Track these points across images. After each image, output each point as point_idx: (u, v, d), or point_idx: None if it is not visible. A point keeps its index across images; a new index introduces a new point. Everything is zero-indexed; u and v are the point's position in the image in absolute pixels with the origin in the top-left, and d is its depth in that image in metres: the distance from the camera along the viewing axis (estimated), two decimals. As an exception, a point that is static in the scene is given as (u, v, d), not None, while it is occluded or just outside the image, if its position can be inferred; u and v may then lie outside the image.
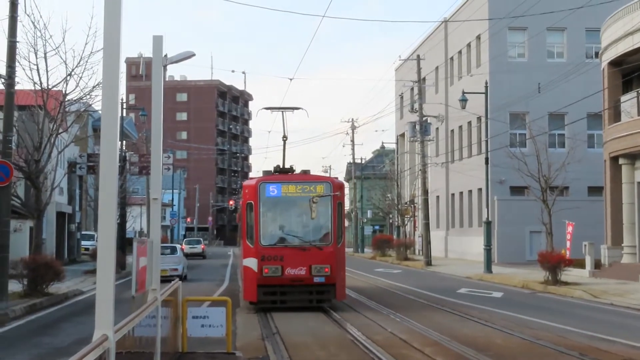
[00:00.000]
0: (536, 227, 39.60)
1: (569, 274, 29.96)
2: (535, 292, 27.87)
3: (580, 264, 32.67)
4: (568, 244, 32.71)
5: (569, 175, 35.91)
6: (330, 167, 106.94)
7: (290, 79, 71.51)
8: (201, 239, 73.24)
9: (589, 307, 22.38)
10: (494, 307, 21.71)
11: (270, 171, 23.46)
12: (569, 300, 24.50)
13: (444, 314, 20.26)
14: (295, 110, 25.77)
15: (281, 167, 23.57)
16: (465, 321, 18.50)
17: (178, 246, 39.59)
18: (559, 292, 26.71)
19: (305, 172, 23.42)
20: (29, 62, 24.19)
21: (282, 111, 25.39)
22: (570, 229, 33.08)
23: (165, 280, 36.26)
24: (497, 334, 16.18)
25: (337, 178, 24.19)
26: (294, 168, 23.60)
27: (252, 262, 20.99)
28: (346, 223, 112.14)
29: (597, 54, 40.77)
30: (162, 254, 34.74)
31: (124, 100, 47.89)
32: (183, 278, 31.54)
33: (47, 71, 24.56)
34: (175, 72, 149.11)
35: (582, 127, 44.60)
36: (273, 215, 21.86)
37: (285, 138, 25.11)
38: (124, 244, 38.64)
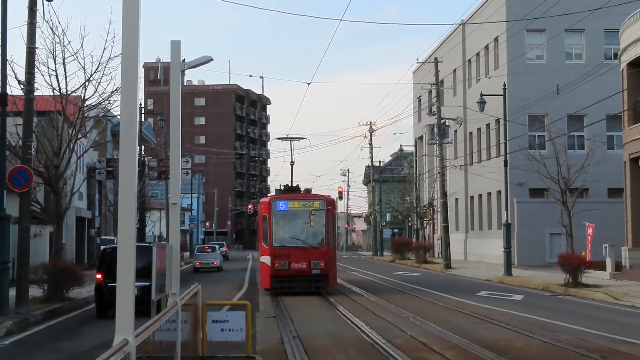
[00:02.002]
0: (556, 229, 39.36)
1: (590, 276, 29.75)
2: (555, 294, 27.72)
3: (601, 266, 32.44)
4: (588, 246, 32.51)
5: (589, 177, 35.64)
6: (348, 170, 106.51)
7: (308, 83, 71.54)
8: (224, 243, 78.92)
9: (609, 310, 22.22)
10: (514, 310, 21.62)
11: (281, 189, 30.85)
12: (589, 303, 24.35)
13: (464, 316, 20.20)
14: (301, 140, 34.31)
15: (289, 186, 30.85)
16: (486, 324, 18.44)
17: (217, 246, 53.35)
18: (579, 294, 26.55)
19: (308, 191, 30.56)
20: (48, 68, 24.30)
21: (290, 140, 33.25)
22: (590, 231, 32.88)
23: (209, 270, 45.29)
24: (518, 337, 16.11)
25: (329, 196, 30.18)
26: (299, 187, 30.60)
27: (267, 259, 27.50)
28: (365, 226, 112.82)
29: (616, 55, 40.49)
30: (206, 252, 49.99)
31: (143, 105, 47.99)
32: (220, 269, 47.33)
33: (65, 77, 24.66)
34: (193, 76, 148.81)
35: (601, 129, 44.29)
36: (282, 224, 28.16)
37: (292, 163, 34.21)
38: (143, 249, 39.05)
